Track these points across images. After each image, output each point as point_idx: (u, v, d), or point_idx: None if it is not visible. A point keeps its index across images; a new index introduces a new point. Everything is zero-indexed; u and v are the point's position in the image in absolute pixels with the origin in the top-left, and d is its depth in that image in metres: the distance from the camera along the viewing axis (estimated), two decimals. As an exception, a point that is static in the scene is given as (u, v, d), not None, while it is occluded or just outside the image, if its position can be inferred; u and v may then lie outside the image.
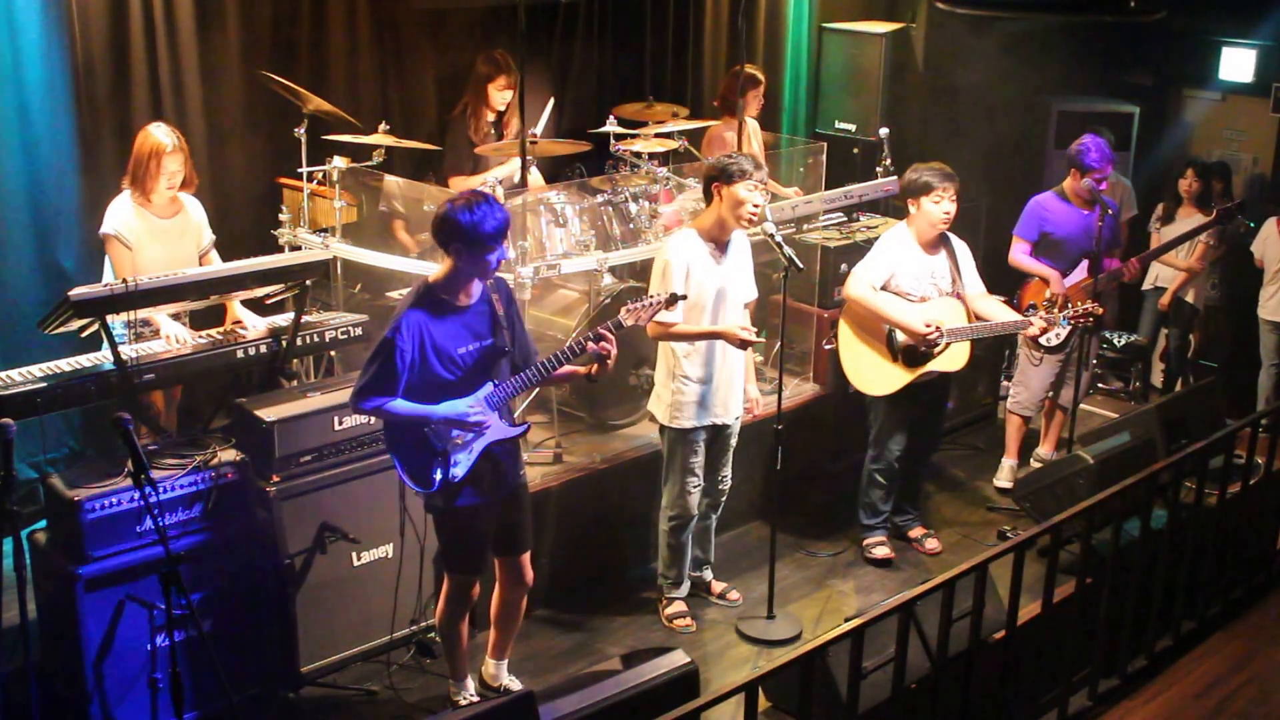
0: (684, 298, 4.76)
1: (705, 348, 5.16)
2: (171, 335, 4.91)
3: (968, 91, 8.38)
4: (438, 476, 4.32)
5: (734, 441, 5.44)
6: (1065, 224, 6.38)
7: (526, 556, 4.70)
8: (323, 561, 4.77)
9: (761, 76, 7.03)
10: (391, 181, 6.18)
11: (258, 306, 5.28)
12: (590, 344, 4.36)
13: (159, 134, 5.04)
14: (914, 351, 5.74)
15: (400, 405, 4.24)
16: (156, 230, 5.14)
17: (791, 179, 7.19)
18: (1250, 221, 7.55)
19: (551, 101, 6.78)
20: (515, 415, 4.76)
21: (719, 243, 5.14)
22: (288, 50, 6.35)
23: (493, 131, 6.48)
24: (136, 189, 5.07)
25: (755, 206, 5.03)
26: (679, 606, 5.49)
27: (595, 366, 4.44)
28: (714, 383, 5.20)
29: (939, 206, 5.65)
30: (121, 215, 5.07)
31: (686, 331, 5.08)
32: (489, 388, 4.37)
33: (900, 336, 5.72)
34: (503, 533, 4.59)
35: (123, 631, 4.28)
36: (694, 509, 5.34)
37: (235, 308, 5.21)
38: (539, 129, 6.46)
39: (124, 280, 4.50)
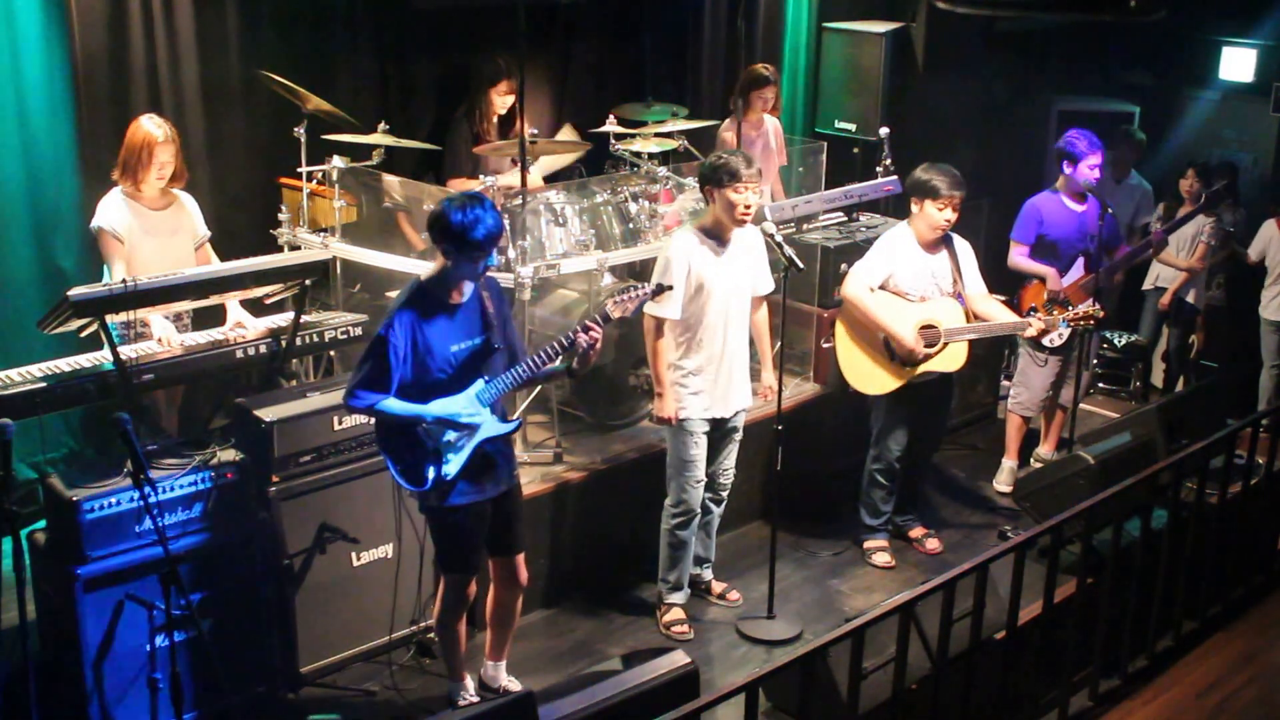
0: (669, 288, 4.76)
1: (704, 342, 5.15)
2: (162, 336, 4.90)
3: (968, 91, 8.37)
4: (430, 475, 4.32)
5: (738, 435, 5.42)
6: (1060, 224, 6.37)
7: (521, 558, 4.69)
8: (323, 561, 4.77)
9: (767, 73, 6.97)
10: (392, 180, 6.18)
11: (257, 306, 5.27)
12: (578, 334, 4.36)
13: (150, 125, 5.05)
14: (909, 352, 5.74)
15: (393, 404, 4.24)
16: (149, 224, 5.13)
17: (791, 179, 7.19)
18: (1241, 207, 7.56)
19: (568, 130, 6.76)
20: (513, 415, 4.76)
21: (720, 239, 5.14)
22: (288, 50, 6.34)
23: (496, 136, 6.47)
24: (127, 180, 5.07)
25: (747, 207, 5.03)
26: (677, 614, 5.42)
27: (577, 360, 4.44)
28: (713, 377, 5.18)
29: (941, 213, 5.64)
30: (113, 210, 5.06)
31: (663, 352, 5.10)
32: (480, 385, 4.36)
33: (898, 336, 5.72)
34: (496, 533, 4.58)
35: (122, 631, 4.27)
36: (697, 504, 5.32)
37: (233, 308, 5.21)
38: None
39: (123, 281, 4.50)
